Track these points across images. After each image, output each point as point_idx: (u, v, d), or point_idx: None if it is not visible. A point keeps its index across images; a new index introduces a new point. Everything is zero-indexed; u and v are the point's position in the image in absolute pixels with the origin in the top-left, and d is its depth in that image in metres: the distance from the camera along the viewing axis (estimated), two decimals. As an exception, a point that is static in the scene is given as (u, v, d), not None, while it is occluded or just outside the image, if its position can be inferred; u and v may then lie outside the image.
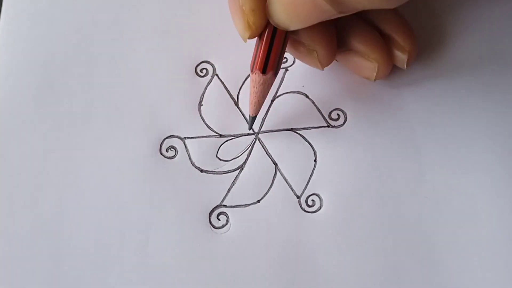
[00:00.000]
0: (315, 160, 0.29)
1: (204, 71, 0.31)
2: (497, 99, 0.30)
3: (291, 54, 0.30)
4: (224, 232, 0.28)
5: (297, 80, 0.31)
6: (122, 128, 0.30)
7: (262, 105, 0.28)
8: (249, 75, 0.31)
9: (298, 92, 0.31)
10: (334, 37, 0.28)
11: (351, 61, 0.29)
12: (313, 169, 0.29)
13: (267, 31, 0.26)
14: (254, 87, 0.28)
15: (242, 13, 0.26)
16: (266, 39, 0.26)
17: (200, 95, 0.31)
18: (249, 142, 0.30)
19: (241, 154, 0.30)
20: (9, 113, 0.31)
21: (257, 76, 0.27)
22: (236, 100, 0.31)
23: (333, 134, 0.30)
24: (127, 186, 0.29)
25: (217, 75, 0.31)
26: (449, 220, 0.28)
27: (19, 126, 0.30)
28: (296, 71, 0.31)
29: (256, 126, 0.30)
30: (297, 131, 0.30)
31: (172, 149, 0.30)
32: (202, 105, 0.31)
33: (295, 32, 0.27)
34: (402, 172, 0.29)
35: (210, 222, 0.29)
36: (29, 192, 0.29)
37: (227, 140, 0.30)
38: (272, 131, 0.30)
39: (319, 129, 0.30)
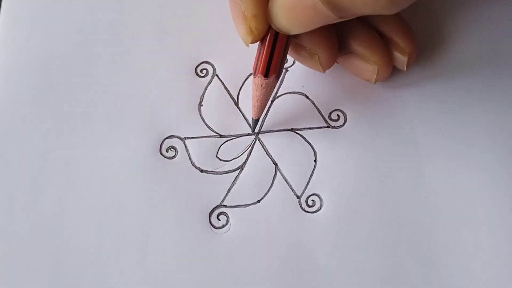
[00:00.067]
0: (315, 161, 0.29)
1: (204, 71, 0.31)
2: (497, 99, 0.30)
3: (292, 57, 0.30)
4: (224, 232, 0.28)
5: (297, 80, 0.31)
6: (122, 128, 0.30)
7: (265, 108, 0.29)
8: (249, 76, 0.31)
9: (298, 93, 0.31)
10: (335, 40, 0.28)
11: (351, 64, 0.29)
12: (313, 170, 0.29)
13: (269, 35, 0.27)
14: (256, 90, 0.28)
15: (244, 19, 0.26)
16: (268, 43, 0.27)
17: (200, 95, 0.31)
18: (249, 142, 0.30)
19: (241, 154, 0.30)
20: (9, 113, 0.31)
21: (259, 80, 0.27)
22: (236, 100, 0.31)
23: (333, 134, 0.30)
24: (127, 186, 0.29)
25: (217, 75, 0.31)
26: (449, 220, 0.28)
27: (19, 126, 0.30)
28: (296, 71, 0.31)
29: (256, 127, 0.30)
30: (297, 132, 0.30)
31: (172, 149, 0.30)
32: (202, 105, 0.31)
33: (296, 36, 0.27)
34: (402, 172, 0.29)
35: (210, 222, 0.29)
36: (29, 192, 0.29)
37: (227, 140, 0.30)
38: (272, 131, 0.30)
39: (319, 129, 0.30)
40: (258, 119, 0.29)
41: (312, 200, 0.29)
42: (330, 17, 0.24)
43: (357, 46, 0.28)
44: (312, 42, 0.27)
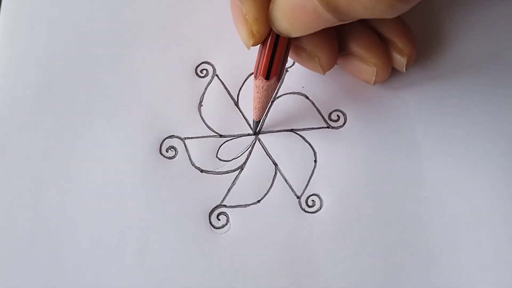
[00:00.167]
0: (315, 161, 0.29)
1: (204, 71, 0.31)
2: (496, 99, 0.30)
3: (292, 59, 0.30)
4: (224, 232, 0.28)
5: (297, 81, 0.31)
6: (122, 128, 0.30)
7: (266, 110, 0.29)
8: (249, 76, 0.31)
9: (298, 93, 0.31)
10: (335, 42, 0.28)
11: (351, 65, 0.30)
12: (313, 170, 0.29)
13: (270, 38, 0.27)
14: (258, 92, 0.28)
15: (246, 22, 0.26)
16: (269, 46, 0.27)
17: (200, 95, 0.31)
18: (249, 143, 0.30)
19: (241, 155, 0.30)
20: (9, 113, 0.31)
21: (260, 82, 0.28)
22: (236, 100, 0.31)
23: (333, 135, 0.30)
24: (127, 186, 0.29)
25: (217, 75, 0.31)
26: (449, 220, 0.28)
27: (19, 126, 0.30)
28: (296, 72, 0.31)
29: (257, 128, 0.30)
30: (297, 132, 0.30)
31: (172, 149, 0.30)
32: (202, 105, 0.31)
33: (297, 38, 0.27)
34: (402, 172, 0.29)
35: (210, 222, 0.29)
36: (29, 192, 0.29)
37: (227, 141, 0.30)
38: (272, 131, 0.30)
39: (319, 130, 0.30)
40: (260, 120, 0.29)
41: (312, 200, 0.29)
42: (331, 21, 0.24)
43: (356, 48, 0.29)
44: (312, 44, 0.28)
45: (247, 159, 0.30)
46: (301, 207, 0.29)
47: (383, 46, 0.29)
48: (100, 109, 0.31)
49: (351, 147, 0.30)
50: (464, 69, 0.31)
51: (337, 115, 0.30)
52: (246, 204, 0.29)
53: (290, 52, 0.28)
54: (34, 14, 0.33)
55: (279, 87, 0.31)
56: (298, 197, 0.29)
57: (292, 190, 0.29)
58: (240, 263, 0.28)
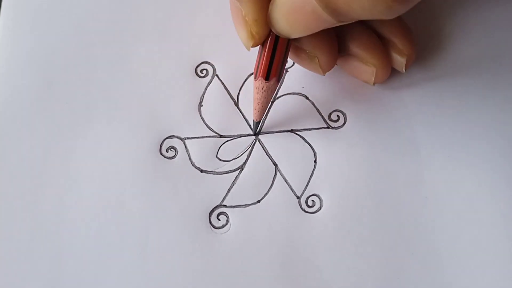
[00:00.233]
0: (315, 161, 0.29)
1: (204, 71, 0.31)
2: (496, 99, 0.30)
3: (292, 60, 0.30)
4: (224, 232, 0.28)
5: (297, 81, 0.31)
6: (122, 128, 0.30)
7: (265, 111, 0.29)
8: (249, 76, 0.31)
9: (298, 94, 0.31)
10: (335, 43, 0.28)
11: (350, 65, 0.30)
12: (313, 170, 0.29)
13: (269, 39, 0.27)
14: (257, 93, 0.28)
15: (245, 23, 0.26)
16: (268, 47, 0.27)
17: (200, 95, 0.31)
18: (249, 143, 0.30)
19: (241, 155, 0.30)
20: (9, 113, 0.31)
21: (260, 83, 0.28)
22: (236, 100, 0.31)
23: (333, 135, 0.30)
24: (127, 186, 0.29)
25: (217, 75, 0.31)
26: (449, 220, 0.28)
27: (19, 126, 0.30)
28: (296, 72, 0.31)
29: (257, 129, 0.30)
30: (297, 132, 0.30)
31: (172, 149, 0.30)
32: (202, 105, 0.31)
33: (296, 39, 0.27)
34: (402, 172, 0.29)
35: (210, 222, 0.29)
36: (29, 192, 0.29)
37: (227, 141, 0.30)
38: (272, 132, 0.30)
39: (319, 130, 0.30)
40: (259, 121, 0.29)
41: (312, 200, 0.29)
42: (330, 22, 0.24)
43: (356, 48, 0.29)
44: (312, 45, 0.28)
45: (247, 159, 0.30)
46: (301, 207, 0.29)
47: (382, 46, 0.29)
48: (100, 109, 0.31)
49: (351, 147, 0.30)
50: (464, 69, 0.31)
51: (337, 115, 0.30)
52: (246, 204, 0.29)
53: (289, 53, 0.28)
54: (34, 14, 0.33)
55: (279, 87, 0.31)
56: (298, 197, 0.29)
57: (292, 190, 0.29)
58: (240, 263, 0.28)
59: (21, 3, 0.33)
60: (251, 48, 0.27)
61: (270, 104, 0.31)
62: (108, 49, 0.32)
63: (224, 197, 0.29)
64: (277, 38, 0.27)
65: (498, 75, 0.30)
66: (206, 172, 0.29)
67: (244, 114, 0.31)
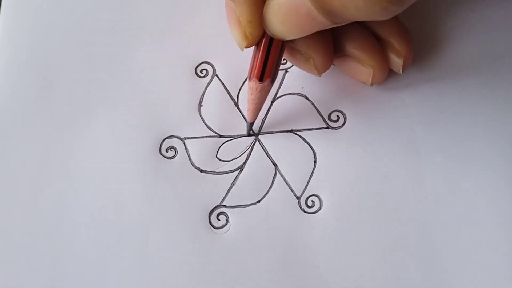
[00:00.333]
0: (314, 161, 0.29)
1: (204, 71, 0.31)
2: (496, 99, 0.30)
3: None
4: (224, 232, 0.28)
5: (297, 81, 0.31)
6: (122, 128, 0.30)
7: (259, 111, 0.29)
8: (249, 76, 0.31)
9: (298, 94, 0.31)
10: (330, 44, 0.28)
11: (347, 66, 0.30)
12: (313, 170, 0.29)
13: (264, 40, 0.27)
14: (251, 94, 0.28)
15: (239, 24, 0.26)
16: (263, 48, 0.27)
17: (200, 95, 0.31)
18: (249, 143, 0.30)
19: (241, 155, 0.30)
20: (9, 113, 0.31)
21: (254, 84, 0.28)
22: (236, 100, 0.31)
23: (333, 135, 0.30)
24: (127, 186, 0.29)
25: (217, 75, 0.31)
26: (449, 220, 0.28)
27: (19, 126, 0.30)
28: (296, 73, 0.31)
29: (256, 127, 0.30)
30: (296, 133, 0.30)
31: (172, 149, 0.30)
32: (202, 105, 0.31)
33: (291, 40, 0.27)
34: (402, 172, 0.29)
35: (210, 222, 0.29)
36: (29, 192, 0.29)
37: (227, 141, 0.30)
38: (272, 132, 0.30)
39: (319, 130, 0.30)
40: (253, 122, 0.29)
41: (312, 200, 0.29)
42: (324, 23, 0.24)
43: (353, 49, 0.28)
44: (307, 46, 0.28)
45: (246, 159, 0.30)
46: (300, 207, 0.29)
47: (379, 47, 0.29)
48: (100, 109, 0.31)
49: (351, 147, 0.30)
50: (464, 69, 0.31)
51: (337, 116, 0.30)
52: (246, 204, 0.29)
53: (285, 53, 0.28)
54: (34, 14, 0.33)
55: (279, 87, 0.31)
56: (298, 198, 0.29)
57: (292, 190, 0.29)
58: (239, 263, 0.28)
59: (21, 3, 0.33)
60: (252, 49, 0.27)
61: (270, 104, 0.31)
62: (108, 49, 0.32)
63: (224, 197, 0.29)
64: (271, 39, 0.27)
65: (497, 74, 0.30)
66: (206, 172, 0.29)
67: (244, 114, 0.31)
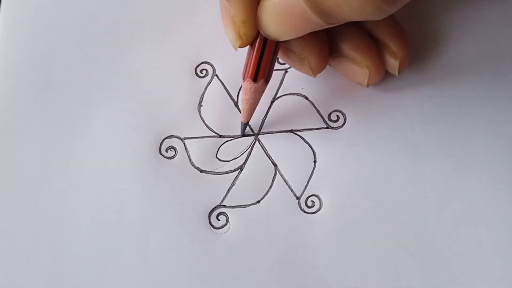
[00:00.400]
0: (314, 161, 0.29)
1: (204, 71, 0.31)
2: (495, 99, 0.30)
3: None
4: (224, 232, 0.28)
5: (297, 82, 0.31)
6: (121, 128, 0.30)
7: (253, 112, 0.29)
8: (249, 76, 0.31)
9: (298, 94, 0.31)
10: (325, 44, 0.28)
11: (343, 67, 0.29)
12: (313, 170, 0.29)
13: (258, 40, 0.27)
14: (245, 94, 0.28)
15: (233, 24, 0.26)
16: (257, 48, 0.27)
17: (200, 95, 0.31)
18: (249, 143, 0.30)
19: (241, 155, 0.30)
20: (9, 113, 0.31)
21: (248, 84, 0.28)
22: (236, 100, 0.31)
23: (333, 135, 0.30)
24: (127, 186, 0.29)
25: (217, 75, 0.31)
26: (449, 220, 0.28)
27: (19, 126, 0.30)
28: (296, 73, 0.31)
29: (256, 127, 0.30)
30: (296, 133, 0.30)
31: (171, 149, 0.30)
32: (202, 105, 0.31)
33: (286, 40, 0.27)
34: (402, 172, 0.29)
35: (210, 222, 0.28)
36: (29, 192, 0.29)
37: (227, 141, 0.30)
38: (271, 132, 0.30)
39: (319, 130, 0.30)
40: (247, 123, 0.29)
41: (312, 200, 0.29)
42: (319, 24, 0.24)
43: (349, 50, 0.28)
44: (301, 46, 0.27)
45: (246, 159, 0.30)
46: (300, 207, 0.29)
47: (375, 48, 0.29)
48: (100, 109, 0.31)
49: (350, 147, 0.30)
50: (463, 68, 0.31)
51: (337, 116, 0.30)
52: (245, 205, 0.29)
53: (280, 54, 0.28)
54: (34, 14, 0.33)
55: (279, 87, 0.31)
56: (298, 198, 0.29)
57: (292, 190, 0.29)
58: (239, 263, 0.28)
59: (21, 3, 0.33)
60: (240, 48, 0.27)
61: (270, 104, 0.31)
62: (108, 49, 0.32)
63: (224, 197, 0.29)
64: (265, 39, 0.27)
65: (497, 74, 0.30)
66: (206, 172, 0.29)
67: (243, 114, 0.31)
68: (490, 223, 0.28)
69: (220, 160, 0.30)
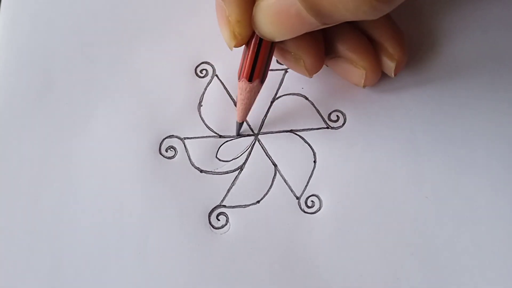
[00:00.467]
0: (314, 161, 0.29)
1: (204, 71, 0.31)
2: (495, 99, 0.30)
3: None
4: (224, 232, 0.28)
5: (297, 82, 0.31)
6: (121, 128, 0.30)
7: (249, 112, 0.29)
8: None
9: (298, 94, 0.31)
10: (321, 45, 0.28)
11: (340, 67, 0.29)
12: (313, 170, 0.29)
13: (253, 40, 0.27)
14: (241, 94, 0.28)
15: (228, 24, 0.26)
16: (252, 48, 0.27)
17: (200, 95, 0.31)
18: (248, 143, 0.30)
19: (241, 155, 0.30)
20: (9, 113, 0.31)
21: (243, 84, 0.28)
22: (236, 100, 0.31)
23: (333, 135, 0.30)
24: (127, 186, 0.29)
25: (216, 75, 0.31)
26: (449, 220, 0.28)
27: (19, 126, 0.30)
28: (296, 73, 0.31)
29: (255, 127, 0.30)
30: (296, 133, 0.30)
31: (171, 149, 0.30)
32: (202, 105, 0.31)
33: (281, 40, 0.27)
34: (402, 172, 0.29)
35: (210, 222, 0.28)
36: (29, 192, 0.29)
37: (227, 141, 0.30)
38: (271, 132, 0.30)
39: (319, 130, 0.30)
40: (243, 123, 0.29)
41: (312, 200, 0.29)
42: (314, 24, 0.24)
43: (345, 51, 0.28)
44: (296, 47, 0.27)
45: (246, 159, 0.30)
46: (300, 207, 0.29)
47: (372, 48, 0.29)
48: (100, 109, 0.31)
49: (350, 147, 0.30)
50: (463, 69, 0.31)
51: (337, 116, 0.30)
52: (245, 205, 0.29)
53: (275, 54, 0.28)
54: (34, 14, 0.33)
55: (279, 87, 0.31)
56: (298, 198, 0.29)
57: (292, 190, 0.29)
58: (239, 263, 0.28)
59: (21, 3, 0.33)
60: (239, 48, 0.27)
61: (270, 104, 0.31)
62: (108, 49, 0.32)
63: (224, 197, 0.29)
64: (261, 39, 0.27)
65: (496, 74, 0.30)
66: (206, 172, 0.29)
67: (243, 114, 0.31)
68: (490, 223, 0.28)
69: (220, 160, 0.30)
